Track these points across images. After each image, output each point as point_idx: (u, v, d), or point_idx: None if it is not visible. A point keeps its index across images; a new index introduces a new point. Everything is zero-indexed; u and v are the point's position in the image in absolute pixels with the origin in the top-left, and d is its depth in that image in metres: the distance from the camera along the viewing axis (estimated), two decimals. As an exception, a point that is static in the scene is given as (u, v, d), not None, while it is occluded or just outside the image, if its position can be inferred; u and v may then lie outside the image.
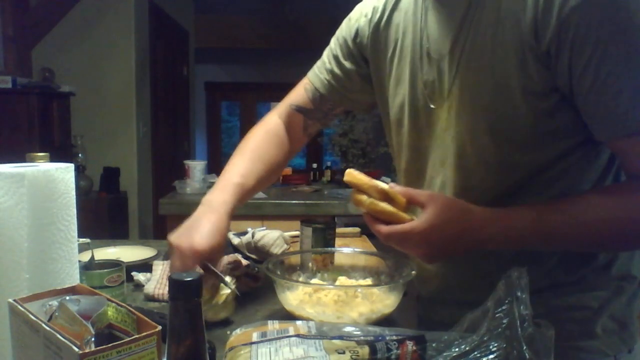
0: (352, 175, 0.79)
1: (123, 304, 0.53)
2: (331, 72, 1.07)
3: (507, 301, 0.61)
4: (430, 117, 0.88)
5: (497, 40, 0.76)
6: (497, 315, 0.61)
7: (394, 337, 0.64)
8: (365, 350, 0.63)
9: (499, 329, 0.60)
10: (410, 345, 0.63)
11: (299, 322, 0.72)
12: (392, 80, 0.96)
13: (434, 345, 0.64)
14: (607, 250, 0.83)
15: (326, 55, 1.09)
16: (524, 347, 0.58)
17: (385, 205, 0.76)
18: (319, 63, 1.10)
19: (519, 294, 0.61)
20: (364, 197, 0.77)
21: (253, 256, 1.35)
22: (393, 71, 0.95)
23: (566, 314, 0.83)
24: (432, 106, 0.87)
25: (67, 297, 0.55)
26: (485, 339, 0.60)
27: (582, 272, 0.84)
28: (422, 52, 0.88)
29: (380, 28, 0.97)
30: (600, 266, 0.84)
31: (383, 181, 0.79)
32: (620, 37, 0.69)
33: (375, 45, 0.98)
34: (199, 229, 0.87)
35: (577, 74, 0.72)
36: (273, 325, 0.72)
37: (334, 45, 1.07)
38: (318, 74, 1.09)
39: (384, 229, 0.76)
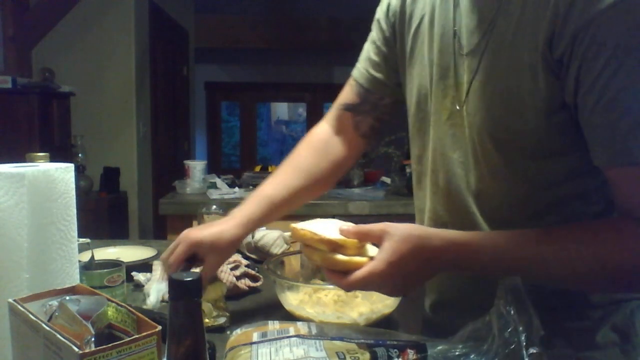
0: (296, 231, 0.75)
1: (123, 304, 0.53)
2: (369, 59, 1.02)
3: (513, 319, 0.60)
4: (442, 105, 0.85)
5: (514, 47, 0.73)
6: (504, 334, 0.60)
7: (395, 343, 0.64)
8: (366, 357, 0.63)
9: (507, 350, 0.59)
10: (411, 354, 0.63)
11: (299, 323, 0.72)
12: (411, 59, 0.93)
13: (434, 355, 0.63)
14: (573, 289, 0.80)
15: (367, 42, 1.04)
16: None
17: (337, 257, 0.71)
18: (362, 53, 1.05)
19: (525, 311, 0.60)
20: (314, 254, 0.73)
21: (253, 256, 1.35)
22: (415, 50, 0.91)
23: (567, 324, 0.81)
24: (452, 97, 0.84)
25: (67, 297, 0.55)
26: (491, 356, 0.59)
27: (587, 296, 0.82)
28: (454, 40, 0.83)
29: (407, 1, 0.93)
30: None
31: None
32: (638, 54, 0.65)
33: (402, 18, 0.95)
34: (205, 227, 0.92)
35: (584, 87, 0.68)
36: (273, 326, 0.72)
37: (373, 29, 1.02)
38: (358, 65, 1.04)
39: (343, 281, 0.72)
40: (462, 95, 0.82)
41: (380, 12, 1.00)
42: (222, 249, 0.91)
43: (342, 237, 0.72)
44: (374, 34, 1.02)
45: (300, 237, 0.74)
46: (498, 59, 0.76)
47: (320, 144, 1.07)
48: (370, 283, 0.71)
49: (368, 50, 1.03)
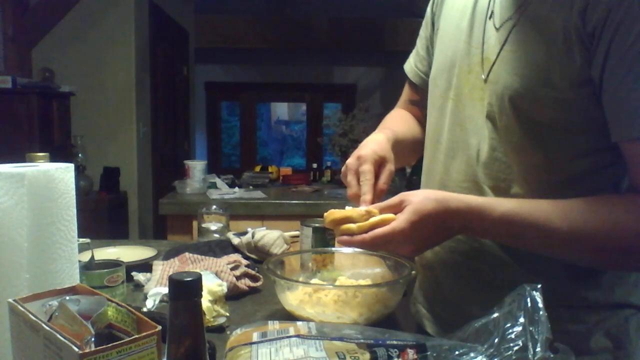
0: (335, 213, 0.81)
1: (123, 304, 0.53)
2: (417, 54, 1.07)
3: (520, 322, 0.60)
4: (466, 79, 0.87)
5: (549, 18, 0.75)
6: (508, 335, 0.60)
7: (395, 343, 0.64)
8: (366, 357, 0.62)
9: (510, 352, 0.59)
10: (411, 354, 0.63)
11: (299, 323, 0.72)
12: (437, 39, 0.96)
13: (434, 355, 0.63)
14: (581, 264, 0.80)
15: (418, 39, 1.08)
16: None
17: (373, 219, 0.78)
18: (413, 50, 1.10)
19: (536, 315, 0.60)
20: (351, 226, 0.79)
21: (253, 256, 1.35)
22: (440, 31, 0.95)
23: (560, 327, 0.81)
24: (477, 72, 0.86)
25: (67, 297, 0.55)
26: (492, 355, 0.59)
27: (585, 293, 0.82)
28: (486, 14, 0.86)
29: None
30: (605, 286, 0.82)
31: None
32: None
33: (442, 7, 0.98)
34: (360, 148, 0.94)
35: (614, 60, 0.69)
36: (273, 326, 0.72)
37: (422, 24, 1.06)
38: (410, 62, 1.09)
39: (367, 236, 0.76)
40: (488, 67, 0.83)
41: (428, 8, 1.04)
42: (384, 154, 0.93)
43: (371, 208, 0.80)
44: (422, 29, 1.06)
45: (342, 215, 0.80)
46: (531, 29, 0.77)
47: (410, 117, 1.12)
48: (391, 241, 0.76)
49: (417, 45, 1.07)
